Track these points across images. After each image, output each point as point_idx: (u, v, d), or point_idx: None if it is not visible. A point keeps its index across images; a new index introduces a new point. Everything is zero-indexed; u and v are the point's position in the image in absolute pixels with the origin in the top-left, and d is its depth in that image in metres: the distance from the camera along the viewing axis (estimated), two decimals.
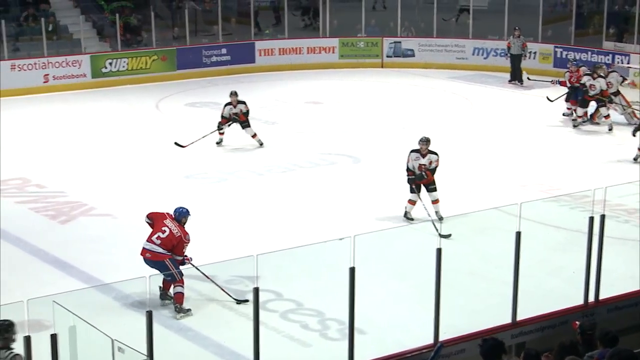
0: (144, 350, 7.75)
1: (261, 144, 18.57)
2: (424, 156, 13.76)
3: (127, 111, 22.02)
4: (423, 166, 13.74)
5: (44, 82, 23.88)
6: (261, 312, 8.32)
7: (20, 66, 23.58)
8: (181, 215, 11.10)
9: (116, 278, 11.16)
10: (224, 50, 26.77)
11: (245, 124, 18.43)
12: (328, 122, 20.86)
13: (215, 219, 14.10)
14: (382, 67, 27.86)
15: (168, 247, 10.85)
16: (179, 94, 23.85)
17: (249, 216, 14.28)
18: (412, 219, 13.92)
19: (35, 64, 23.84)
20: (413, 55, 27.89)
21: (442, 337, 9.10)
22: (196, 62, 26.25)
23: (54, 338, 7.65)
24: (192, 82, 25.20)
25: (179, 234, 10.89)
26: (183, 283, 10.78)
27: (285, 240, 12.64)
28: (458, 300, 10.31)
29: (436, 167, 13.86)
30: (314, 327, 10.35)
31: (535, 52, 26.15)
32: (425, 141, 13.79)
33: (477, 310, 10.44)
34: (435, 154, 13.85)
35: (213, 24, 27.86)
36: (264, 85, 25.14)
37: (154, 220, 11.20)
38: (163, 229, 10.93)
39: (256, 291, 8.14)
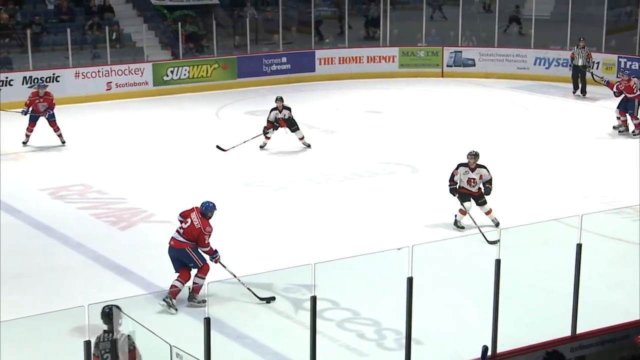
0: (202, 357, 7.80)
1: (308, 146, 18.92)
2: (472, 170, 13.82)
3: (187, 119, 22.22)
4: (472, 180, 13.78)
5: (107, 89, 24.21)
6: (318, 321, 8.32)
7: (83, 74, 23.94)
8: (207, 210, 11.43)
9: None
10: (284, 59, 26.91)
11: (294, 127, 18.70)
12: (387, 131, 20.82)
13: (274, 227, 14.16)
14: (442, 76, 27.76)
15: (189, 237, 11.25)
16: (239, 102, 24.01)
17: (307, 225, 14.31)
18: (462, 228, 13.91)
19: (98, 71, 24.19)
20: (474, 65, 27.74)
21: (500, 349, 9.01)
22: (256, 71, 26.41)
23: (114, 343, 7.74)
24: (252, 90, 25.35)
25: (199, 226, 11.24)
26: (205, 274, 11.17)
27: (343, 249, 12.65)
28: (516, 312, 10.21)
29: (490, 179, 13.87)
30: (371, 337, 10.33)
31: (598, 63, 25.76)
32: (474, 155, 13.85)
33: (536, 322, 10.33)
34: (485, 167, 13.88)
35: (274, 33, 28.01)
36: (324, 94, 25.20)
37: (183, 216, 11.56)
38: (187, 219, 11.38)
39: (313, 300, 8.14)
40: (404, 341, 8.62)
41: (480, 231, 13.02)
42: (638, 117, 20.11)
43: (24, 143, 19.22)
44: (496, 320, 8.96)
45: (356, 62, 27.67)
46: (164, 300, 10.99)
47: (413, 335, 8.59)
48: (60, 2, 26.09)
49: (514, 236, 12.38)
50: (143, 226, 14.27)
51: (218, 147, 18.49)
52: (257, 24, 28.67)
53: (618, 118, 20.51)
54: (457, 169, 13.92)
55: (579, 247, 9.29)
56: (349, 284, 11.19)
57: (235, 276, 11.12)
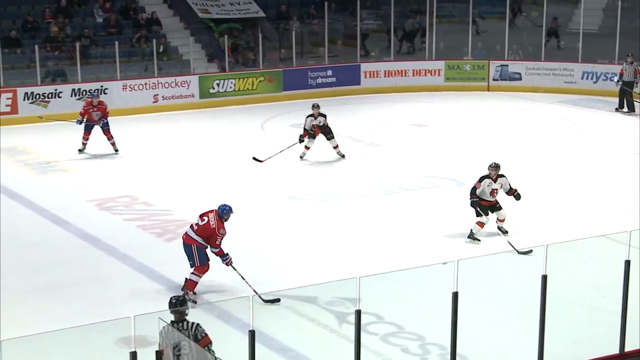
0: None
1: (342, 156, 19.06)
2: (495, 181, 14.12)
3: (233, 131, 22.34)
4: (495, 191, 14.11)
5: (153, 102, 24.44)
6: (362, 335, 8.31)
7: (131, 86, 24.19)
8: (224, 213, 11.80)
9: (219, 297, 11.35)
10: (329, 72, 26.96)
11: (329, 135, 18.88)
12: (432, 144, 20.77)
13: (318, 240, 14.17)
14: (488, 90, 27.63)
15: (202, 235, 11.68)
16: (284, 115, 24.10)
17: (351, 238, 14.30)
18: (479, 240, 14.02)
19: (145, 84, 24.42)
20: (520, 79, 27.59)
21: None
22: (302, 84, 26.48)
23: (158, 355, 7.80)
24: (297, 103, 25.41)
25: (214, 226, 11.63)
26: (201, 273, 11.73)
27: (388, 263, 12.63)
28: (563, 328, 10.12)
29: (510, 186, 14.24)
30: (415, 352, 10.29)
31: None
32: (495, 167, 14.20)
33: (583, 339, 10.24)
34: (504, 176, 14.23)
35: (319, 46, 28.10)
36: (369, 107, 25.21)
37: (201, 216, 11.94)
38: (203, 218, 11.77)
39: (358, 313, 8.14)
40: (448, 356, 8.59)
41: (509, 242, 13.29)
42: None
43: (80, 150, 19.61)
44: (542, 336, 8.89)
45: (401, 76, 27.62)
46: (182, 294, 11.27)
47: (458, 351, 8.56)
48: (108, 16, 26.40)
49: (561, 252, 12.31)
50: None
51: (254, 158, 18.62)
52: (303, 37, 28.77)
53: None
54: (480, 181, 14.15)
55: (627, 263, 9.20)
56: (393, 297, 11.17)
57: (244, 278, 11.55)
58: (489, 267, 11.47)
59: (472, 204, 14.08)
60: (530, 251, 12.67)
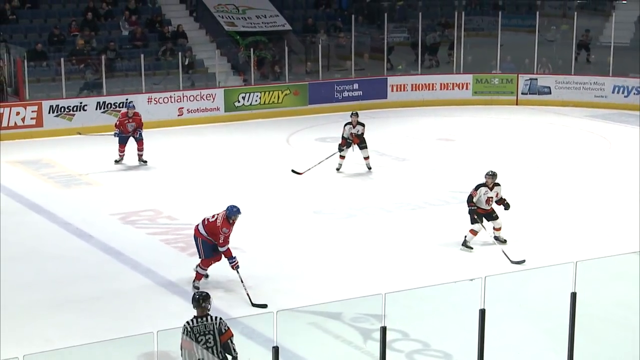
0: None
1: (369, 169, 19.20)
2: (491, 189, 14.40)
3: (258, 145, 22.37)
4: (491, 199, 14.40)
5: (179, 115, 24.53)
6: (387, 352, 8.28)
7: (156, 99, 24.29)
8: (231, 214, 12.46)
9: (243, 312, 11.33)
10: (355, 86, 26.97)
11: (362, 145, 18.99)
12: (460, 159, 20.70)
13: (343, 256, 14.14)
14: (516, 104, 27.54)
15: (208, 231, 12.46)
16: (309, 129, 24.12)
17: (376, 253, 14.26)
18: (471, 248, 14.24)
19: (170, 97, 24.52)
20: (549, 93, 27.47)
21: None
22: (328, 97, 26.51)
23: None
24: (323, 117, 25.44)
25: (219, 224, 12.36)
26: (206, 266, 12.61)
27: (414, 279, 12.57)
28: (592, 346, 10.03)
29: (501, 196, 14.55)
30: None
31: None
32: (492, 175, 14.48)
33: (613, 358, 10.13)
34: (499, 185, 14.51)
35: (346, 59, 28.12)
36: (395, 121, 25.19)
37: (214, 215, 12.71)
38: (214, 214, 12.58)
39: (383, 330, 8.10)
40: None
41: (504, 252, 13.60)
42: None
43: (117, 161, 19.88)
44: (571, 354, 8.82)
45: (429, 89, 27.61)
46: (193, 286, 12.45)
47: None
48: (134, 29, 26.57)
49: (591, 269, 12.21)
50: None
51: (293, 171, 18.67)
52: (330, 50, 28.82)
53: None
54: (476, 189, 14.40)
55: None
56: (419, 314, 11.11)
57: (242, 281, 12.20)
58: (516, 284, 11.39)
59: (470, 212, 14.32)
60: (524, 261, 12.86)
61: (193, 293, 9.23)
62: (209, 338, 8.61)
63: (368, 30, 30.24)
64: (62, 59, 23.75)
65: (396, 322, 10.19)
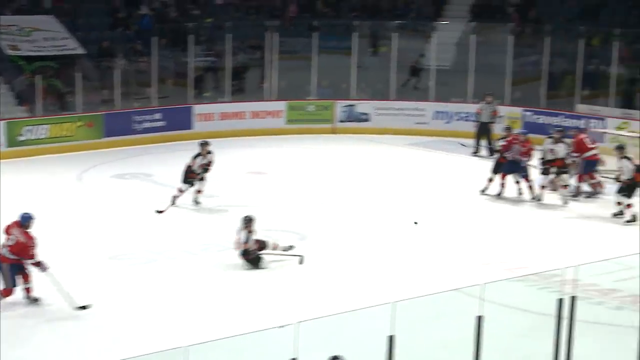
0: None
1: (197, 204, 19.44)
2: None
3: (45, 184, 21.72)
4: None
5: None
6: None
7: None
8: (26, 221, 13.56)
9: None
10: (157, 115, 26.78)
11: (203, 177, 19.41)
12: (272, 194, 20.81)
13: (148, 303, 13.91)
14: (334, 132, 27.98)
15: (17, 250, 13.35)
16: (105, 164, 23.71)
17: (182, 301, 14.11)
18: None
19: None
20: (368, 120, 28.06)
21: None
22: (126, 129, 26.18)
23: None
24: (120, 150, 25.09)
25: (25, 239, 13.38)
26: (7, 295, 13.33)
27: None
28: None
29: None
30: None
31: (502, 116, 26.18)
32: (249, 220, 15.61)
33: None
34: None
35: (147, 86, 27.81)
36: None
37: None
38: (7, 237, 13.46)
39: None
40: None
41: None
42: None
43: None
44: None
45: (239, 118, 27.70)
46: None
47: None
48: None
49: (410, 309, 12.45)
50: None
51: (158, 211, 18.70)
52: (128, 76, 28.42)
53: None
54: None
55: (480, 319, 9.39)
56: None
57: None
58: (331, 330, 11.47)
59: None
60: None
61: None
62: None
63: (172, 54, 30.00)
64: None
65: None
